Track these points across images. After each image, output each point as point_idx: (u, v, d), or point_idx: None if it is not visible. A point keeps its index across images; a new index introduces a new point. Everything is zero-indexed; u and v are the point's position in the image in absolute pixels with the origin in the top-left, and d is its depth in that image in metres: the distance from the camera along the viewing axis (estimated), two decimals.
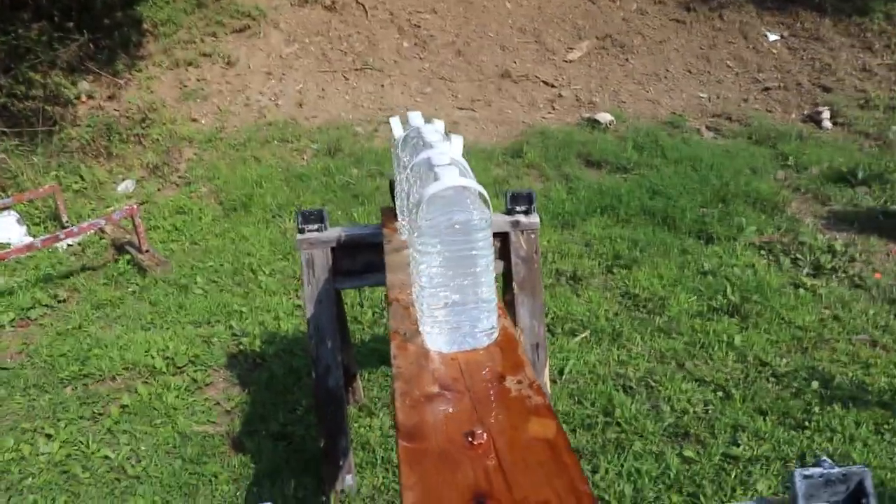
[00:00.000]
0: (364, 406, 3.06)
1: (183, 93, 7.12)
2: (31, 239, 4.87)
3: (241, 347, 3.63)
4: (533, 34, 8.65)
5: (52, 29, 6.54)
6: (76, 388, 3.36)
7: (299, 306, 3.98)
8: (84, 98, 6.86)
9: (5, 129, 6.01)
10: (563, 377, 3.17)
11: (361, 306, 3.90)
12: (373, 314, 3.87)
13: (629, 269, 4.19)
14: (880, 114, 6.44)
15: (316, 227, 2.47)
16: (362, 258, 2.57)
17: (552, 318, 3.67)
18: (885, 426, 2.75)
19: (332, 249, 2.49)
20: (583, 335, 3.53)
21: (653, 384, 3.11)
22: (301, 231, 2.45)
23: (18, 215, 5.25)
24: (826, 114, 6.49)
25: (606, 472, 2.57)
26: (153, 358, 3.49)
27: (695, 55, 8.17)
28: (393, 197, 2.48)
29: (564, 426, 2.54)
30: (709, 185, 5.30)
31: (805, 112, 6.77)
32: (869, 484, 0.80)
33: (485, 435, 1.11)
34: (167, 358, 3.51)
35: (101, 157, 6.16)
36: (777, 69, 7.60)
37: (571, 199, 5.29)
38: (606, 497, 2.46)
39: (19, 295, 4.21)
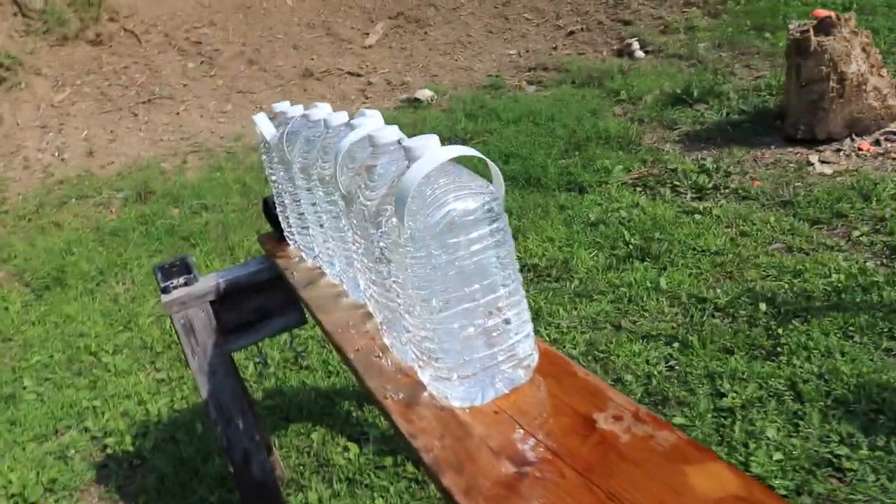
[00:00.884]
0: (291, 481, 2.47)
1: None
2: None
3: (109, 452, 2.88)
4: (323, 27, 8.12)
5: None
6: None
7: (163, 380, 3.27)
8: None
9: None
10: None
11: (265, 364, 3.22)
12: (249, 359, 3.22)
13: (516, 240, 3.84)
14: (682, 36, 6.57)
15: (183, 280, 1.86)
16: (250, 305, 1.99)
17: None
18: (851, 329, 2.58)
19: (212, 303, 1.90)
20: None
21: (601, 355, 2.76)
22: (165, 291, 1.83)
23: None
24: (636, 45, 6.53)
25: None
26: None
27: (491, 15, 8.02)
28: (272, 219, 1.93)
29: None
30: (558, 137, 5.09)
31: (615, 48, 6.79)
32: None
33: None
34: (13, 496, 2.69)
35: None
36: (575, 13, 7.60)
37: None
38: None
39: None
